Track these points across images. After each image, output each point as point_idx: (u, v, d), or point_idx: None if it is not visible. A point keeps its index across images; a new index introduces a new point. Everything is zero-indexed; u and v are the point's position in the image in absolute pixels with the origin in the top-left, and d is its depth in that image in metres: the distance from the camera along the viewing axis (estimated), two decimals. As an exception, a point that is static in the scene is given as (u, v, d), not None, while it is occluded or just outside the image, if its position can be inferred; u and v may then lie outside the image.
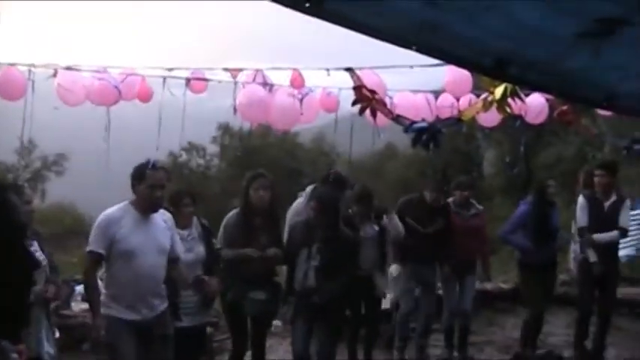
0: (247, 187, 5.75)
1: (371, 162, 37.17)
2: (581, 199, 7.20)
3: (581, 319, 7.31)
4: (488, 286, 9.58)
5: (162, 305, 4.72)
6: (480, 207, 7.62)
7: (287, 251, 5.73)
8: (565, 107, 7.14)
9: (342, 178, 6.60)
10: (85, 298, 6.13)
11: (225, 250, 5.70)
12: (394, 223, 6.82)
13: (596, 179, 7.12)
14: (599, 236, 7.03)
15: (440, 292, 7.64)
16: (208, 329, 6.62)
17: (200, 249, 5.47)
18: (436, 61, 3.82)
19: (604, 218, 7.05)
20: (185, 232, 5.38)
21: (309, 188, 6.69)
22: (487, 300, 9.41)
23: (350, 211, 6.74)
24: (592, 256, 7.04)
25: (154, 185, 4.58)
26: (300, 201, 6.71)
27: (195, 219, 5.56)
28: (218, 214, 6.41)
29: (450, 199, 7.48)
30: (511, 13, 2.62)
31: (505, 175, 26.48)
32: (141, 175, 4.59)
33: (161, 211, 4.77)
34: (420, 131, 4.60)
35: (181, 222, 5.34)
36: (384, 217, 6.80)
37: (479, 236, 7.39)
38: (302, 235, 5.69)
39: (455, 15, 2.59)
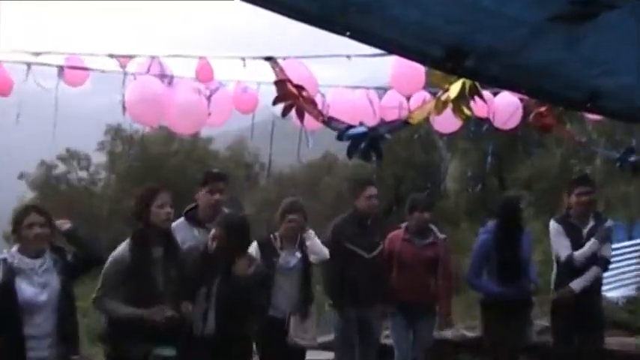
0: (146, 205, 5.68)
1: (303, 176, 37.32)
2: (554, 225, 7.34)
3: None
4: (449, 333, 9.67)
5: None
6: (441, 235, 7.72)
7: (180, 288, 5.69)
8: (543, 109, 7.31)
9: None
10: None
11: (111, 303, 5.59)
12: (312, 244, 6.88)
13: (574, 199, 7.25)
14: (575, 283, 7.15)
15: (386, 341, 7.70)
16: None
17: (54, 284, 5.34)
18: (380, 51, 3.84)
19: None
20: (37, 262, 5.28)
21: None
22: (447, 351, 9.50)
23: (272, 236, 6.78)
24: (576, 285, 7.14)
25: None
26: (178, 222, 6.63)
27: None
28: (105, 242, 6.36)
29: (404, 225, 7.57)
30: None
31: (472, 194, 26.94)
32: None
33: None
34: (358, 137, 4.61)
35: (30, 247, 5.27)
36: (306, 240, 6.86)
37: (436, 270, 7.48)
38: (199, 268, 5.69)
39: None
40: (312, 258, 6.86)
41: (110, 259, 5.64)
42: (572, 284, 7.15)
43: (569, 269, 7.21)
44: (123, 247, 5.67)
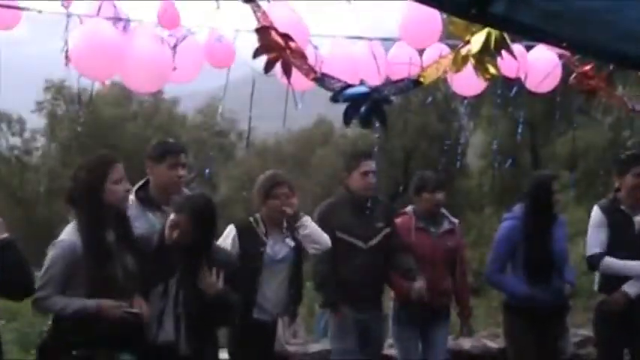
0: (100, 179, 5.59)
1: (290, 147, 37.48)
2: (596, 212, 7.41)
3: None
4: (467, 343, 9.77)
5: None
6: (455, 219, 7.79)
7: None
8: (587, 68, 7.35)
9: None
10: None
11: (56, 299, 5.49)
12: (311, 232, 6.87)
13: (629, 180, 7.31)
14: (630, 286, 7.19)
15: (390, 351, 7.78)
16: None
17: None
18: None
19: (634, 242, 7.26)
20: None
21: None
22: (465, 365, 9.60)
23: (251, 219, 6.86)
24: (632, 288, 7.18)
25: None
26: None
27: None
28: (44, 225, 6.36)
29: (410, 208, 7.62)
30: None
31: (499, 172, 27.03)
32: None
33: None
34: (358, 99, 4.66)
35: None
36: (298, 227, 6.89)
37: (455, 264, 7.57)
38: (154, 261, 5.73)
39: None
40: (311, 249, 6.87)
41: (55, 249, 5.53)
42: (625, 287, 7.19)
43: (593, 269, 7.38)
44: (69, 233, 5.58)
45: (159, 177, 6.50)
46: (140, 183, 6.59)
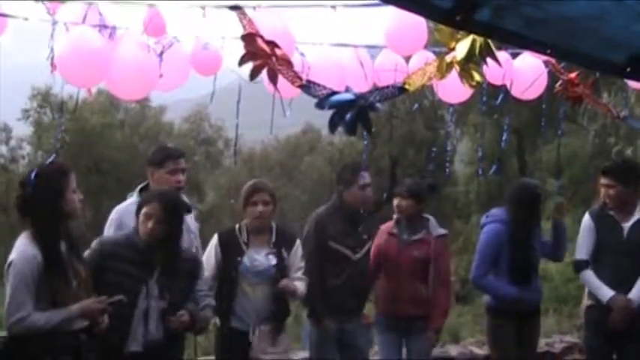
0: (61, 188, 5.50)
1: (278, 154, 37.46)
2: (586, 218, 7.47)
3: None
4: (454, 350, 9.78)
5: None
6: (441, 230, 7.76)
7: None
8: (573, 75, 7.36)
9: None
10: None
11: (35, 316, 5.27)
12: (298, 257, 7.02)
13: (601, 190, 7.37)
14: (636, 293, 7.17)
15: (375, 358, 7.78)
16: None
17: None
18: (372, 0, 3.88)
19: (622, 249, 7.28)
20: None
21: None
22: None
23: (237, 227, 6.93)
24: (603, 290, 7.21)
25: None
26: (131, 202, 6.66)
27: None
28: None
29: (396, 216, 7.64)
30: None
31: (486, 180, 27.08)
32: None
33: None
34: (343, 106, 4.66)
35: None
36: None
37: (427, 273, 7.52)
38: (135, 263, 5.80)
39: None
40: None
41: (17, 265, 5.31)
42: (632, 294, 7.18)
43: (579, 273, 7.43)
44: (25, 244, 5.39)
45: (159, 182, 6.57)
46: (141, 185, 6.69)
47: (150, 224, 5.75)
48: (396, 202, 7.56)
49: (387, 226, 7.70)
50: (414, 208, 7.55)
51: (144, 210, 5.82)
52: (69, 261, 5.49)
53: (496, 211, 7.65)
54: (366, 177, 7.46)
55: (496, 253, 7.44)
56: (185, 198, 6.73)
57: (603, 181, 7.32)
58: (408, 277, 7.46)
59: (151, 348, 5.75)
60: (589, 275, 7.31)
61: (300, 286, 6.88)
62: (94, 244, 5.99)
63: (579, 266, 7.40)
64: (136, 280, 5.74)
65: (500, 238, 7.45)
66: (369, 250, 7.49)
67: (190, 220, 6.69)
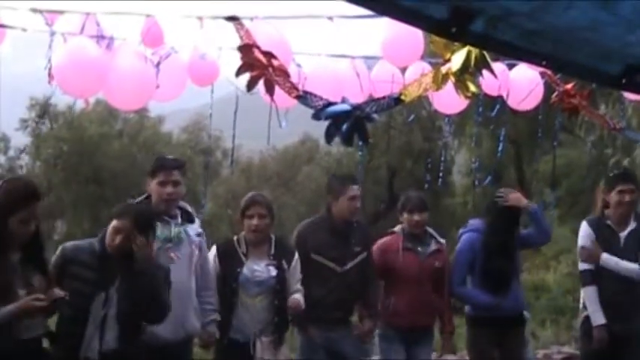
0: (7, 208, 5.40)
1: (275, 165, 37.42)
2: (584, 228, 7.47)
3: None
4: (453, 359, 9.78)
5: None
6: (442, 240, 7.81)
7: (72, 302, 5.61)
8: (569, 86, 7.36)
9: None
10: None
11: None
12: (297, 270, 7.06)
13: (615, 197, 7.32)
14: (615, 262, 7.19)
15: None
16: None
17: None
18: (369, 12, 3.87)
19: (620, 256, 7.25)
20: None
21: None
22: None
23: (235, 238, 6.95)
24: (597, 315, 7.26)
25: None
26: None
27: None
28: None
29: (398, 227, 7.62)
30: None
31: (484, 190, 27.03)
32: None
33: None
34: (340, 117, 4.67)
35: None
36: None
37: (442, 283, 7.58)
38: (97, 270, 5.74)
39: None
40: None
41: None
42: (607, 258, 7.21)
43: (608, 284, 7.31)
44: None
45: (152, 192, 6.55)
46: (143, 196, 6.67)
47: (117, 239, 5.68)
48: (416, 217, 7.51)
49: (393, 242, 7.63)
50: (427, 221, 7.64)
51: (114, 223, 5.74)
52: (21, 270, 5.46)
53: (473, 221, 7.74)
54: (354, 189, 7.43)
55: (470, 261, 7.51)
56: (188, 207, 6.77)
57: (623, 187, 7.27)
58: (427, 289, 7.49)
59: (108, 357, 5.65)
60: (591, 292, 7.31)
61: (300, 298, 6.89)
62: (59, 249, 5.97)
63: (585, 279, 7.40)
64: (93, 287, 5.66)
65: (473, 246, 7.51)
66: (362, 262, 7.41)
67: (192, 231, 6.68)
